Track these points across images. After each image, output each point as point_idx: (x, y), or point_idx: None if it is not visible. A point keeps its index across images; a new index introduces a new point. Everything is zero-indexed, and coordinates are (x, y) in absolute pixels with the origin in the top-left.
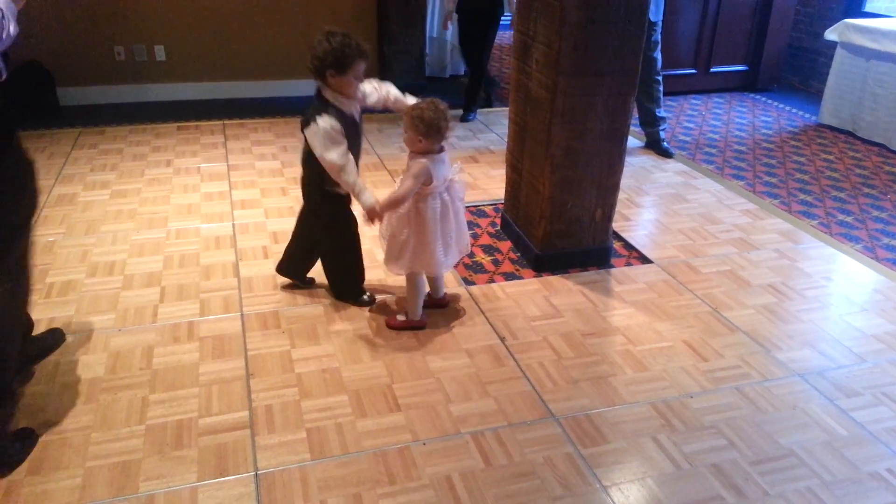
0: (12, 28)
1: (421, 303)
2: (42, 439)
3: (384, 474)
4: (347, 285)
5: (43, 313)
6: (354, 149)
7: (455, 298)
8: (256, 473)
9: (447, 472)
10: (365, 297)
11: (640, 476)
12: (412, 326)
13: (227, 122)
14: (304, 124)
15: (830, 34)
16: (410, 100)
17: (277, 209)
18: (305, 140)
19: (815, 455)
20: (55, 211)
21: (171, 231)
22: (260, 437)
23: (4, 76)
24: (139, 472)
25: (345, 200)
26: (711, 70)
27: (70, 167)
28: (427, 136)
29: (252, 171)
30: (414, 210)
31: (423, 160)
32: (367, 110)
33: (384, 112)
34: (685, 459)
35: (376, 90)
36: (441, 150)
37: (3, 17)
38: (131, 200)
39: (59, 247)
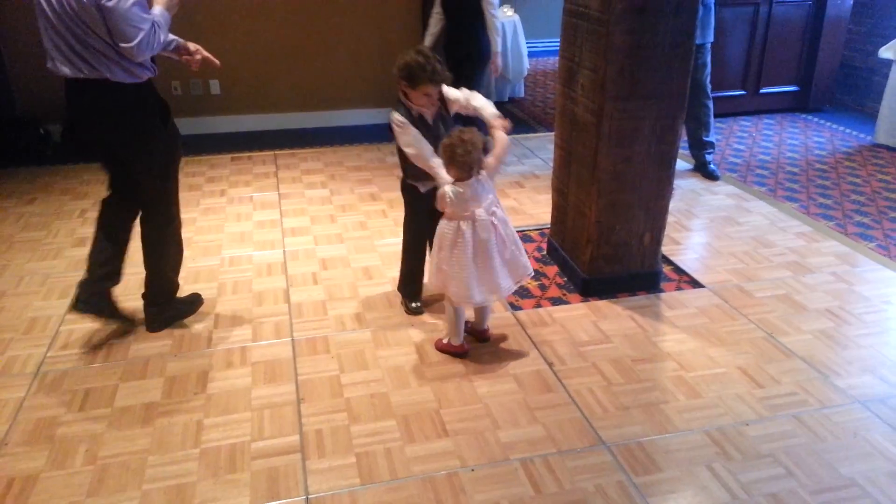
0: (162, 36)
1: (460, 329)
2: (101, 462)
3: (433, 500)
4: (404, 281)
5: (103, 338)
6: None
7: (502, 324)
8: (307, 498)
9: (496, 499)
10: (413, 304)
11: None
12: (451, 352)
13: (278, 152)
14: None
15: (885, 52)
16: (489, 110)
17: (326, 236)
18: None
19: (879, 485)
20: None
21: (224, 258)
22: (310, 461)
23: (155, 73)
24: (194, 494)
25: (422, 196)
26: (761, 91)
27: None
28: (450, 164)
29: (302, 200)
30: (452, 233)
31: (447, 187)
32: (456, 117)
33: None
34: (741, 489)
35: (462, 99)
36: (474, 177)
37: (156, 26)
38: (187, 229)
39: None
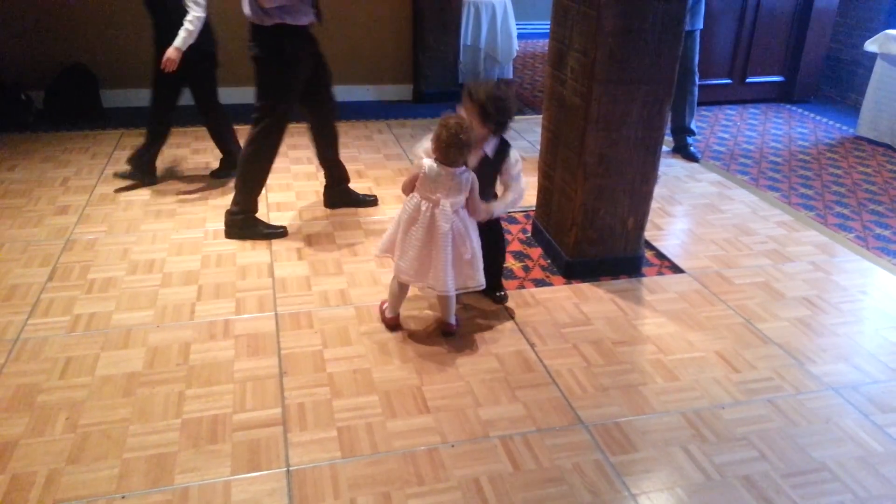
0: None
1: (394, 302)
2: (81, 430)
3: (413, 475)
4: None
5: (84, 308)
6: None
7: (485, 305)
8: (288, 469)
9: (475, 474)
10: (499, 293)
11: (670, 485)
12: (383, 321)
13: None
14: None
15: (871, 45)
16: (506, 203)
17: (312, 212)
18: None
19: (848, 470)
20: (97, 210)
21: (208, 231)
22: (292, 433)
23: (320, 20)
24: (175, 464)
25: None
26: (747, 80)
27: (112, 167)
28: (435, 141)
29: (287, 175)
30: (412, 209)
31: (427, 160)
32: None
33: (417, 117)
34: (716, 470)
35: (511, 171)
36: (453, 166)
37: None
38: (171, 200)
39: (100, 244)
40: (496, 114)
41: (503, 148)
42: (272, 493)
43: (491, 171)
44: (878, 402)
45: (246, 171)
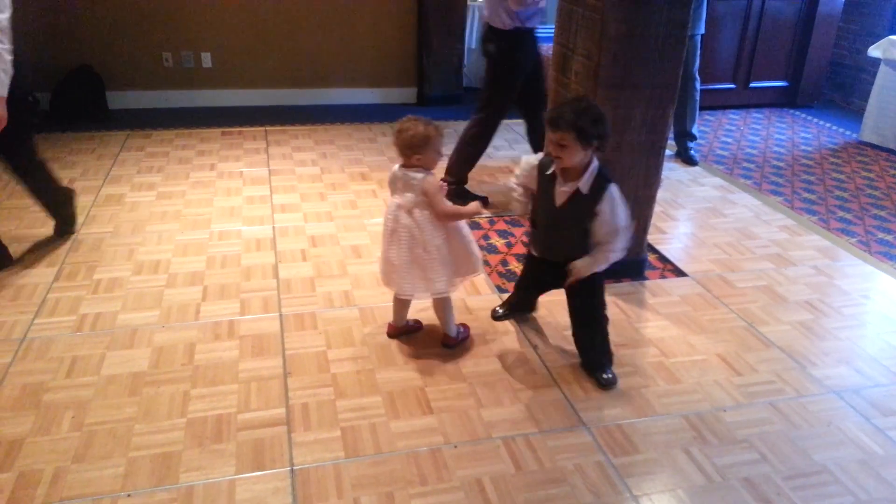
0: None
1: (393, 308)
2: (87, 429)
3: (416, 475)
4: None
5: (90, 308)
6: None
7: (488, 307)
8: (292, 469)
9: (478, 475)
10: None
11: (671, 487)
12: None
13: (269, 128)
14: (601, 198)
15: (874, 51)
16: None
17: (316, 214)
18: (587, 214)
19: (849, 473)
20: (103, 210)
21: (213, 232)
22: (296, 433)
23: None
24: (180, 463)
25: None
26: (751, 85)
27: (118, 168)
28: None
29: (292, 177)
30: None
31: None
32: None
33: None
34: (717, 472)
35: (606, 218)
36: (407, 166)
37: None
38: (176, 202)
39: (106, 245)
40: (593, 127)
41: (600, 183)
42: (276, 492)
43: (586, 212)
44: (879, 406)
45: (463, 151)
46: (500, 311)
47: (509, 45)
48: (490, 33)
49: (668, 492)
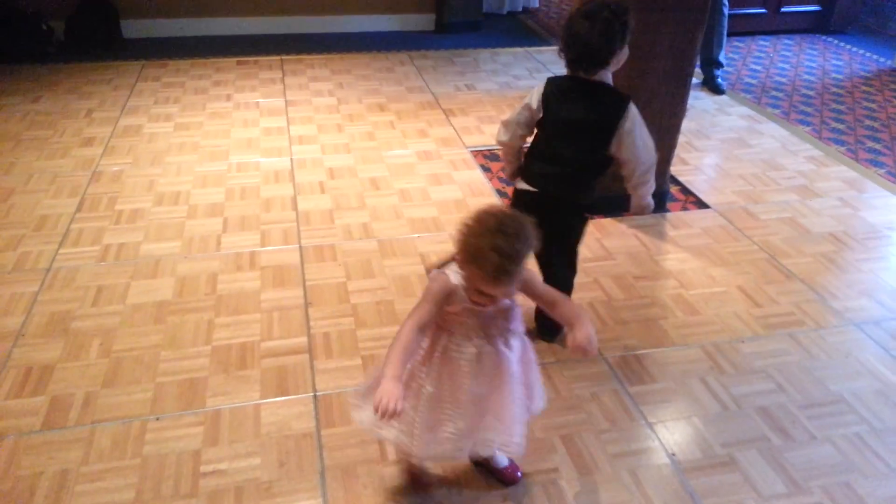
0: None
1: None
2: (115, 356)
3: None
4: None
5: (113, 238)
6: None
7: None
8: (315, 394)
9: None
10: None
11: (687, 415)
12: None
13: (284, 57)
14: (618, 115)
15: None
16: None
17: (334, 146)
18: (596, 142)
19: (865, 402)
20: (122, 141)
21: (232, 164)
22: (318, 361)
23: None
24: (206, 388)
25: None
26: (782, 10)
27: (135, 99)
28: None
29: (309, 108)
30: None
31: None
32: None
33: (439, 48)
34: (732, 401)
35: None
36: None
37: None
38: (194, 133)
39: (126, 176)
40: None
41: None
42: (300, 417)
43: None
44: None
45: None
46: None
47: None
48: None
49: (683, 419)
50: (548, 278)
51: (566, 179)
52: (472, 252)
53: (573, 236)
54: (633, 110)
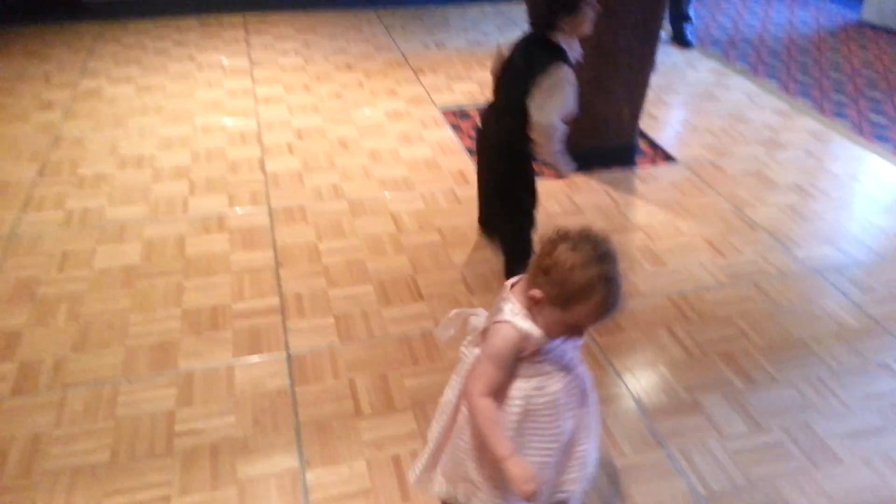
0: None
1: None
2: (83, 320)
3: (408, 357)
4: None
5: (76, 203)
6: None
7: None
8: (288, 353)
9: None
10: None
11: (653, 362)
12: None
13: (247, 14)
14: (539, 70)
15: None
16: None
17: (301, 106)
18: (520, 88)
19: (825, 345)
20: (82, 105)
21: (196, 126)
22: (290, 321)
23: None
24: (178, 349)
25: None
26: None
27: (94, 61)
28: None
29: (275, 67)
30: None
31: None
32: None
33: (408, 5)
34: (697, 347)
35: None
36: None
37: None
38: (156, 95)
39: (88, 140)
40: None
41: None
42: (274, 376)
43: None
44: (859, 283)
45: None
46: None
47: None
48: None
49: (649, 367)
50: (491, 227)
51: (494, 118)
52: (579, 288)
53: (505, 183)
54: (559, 73)
